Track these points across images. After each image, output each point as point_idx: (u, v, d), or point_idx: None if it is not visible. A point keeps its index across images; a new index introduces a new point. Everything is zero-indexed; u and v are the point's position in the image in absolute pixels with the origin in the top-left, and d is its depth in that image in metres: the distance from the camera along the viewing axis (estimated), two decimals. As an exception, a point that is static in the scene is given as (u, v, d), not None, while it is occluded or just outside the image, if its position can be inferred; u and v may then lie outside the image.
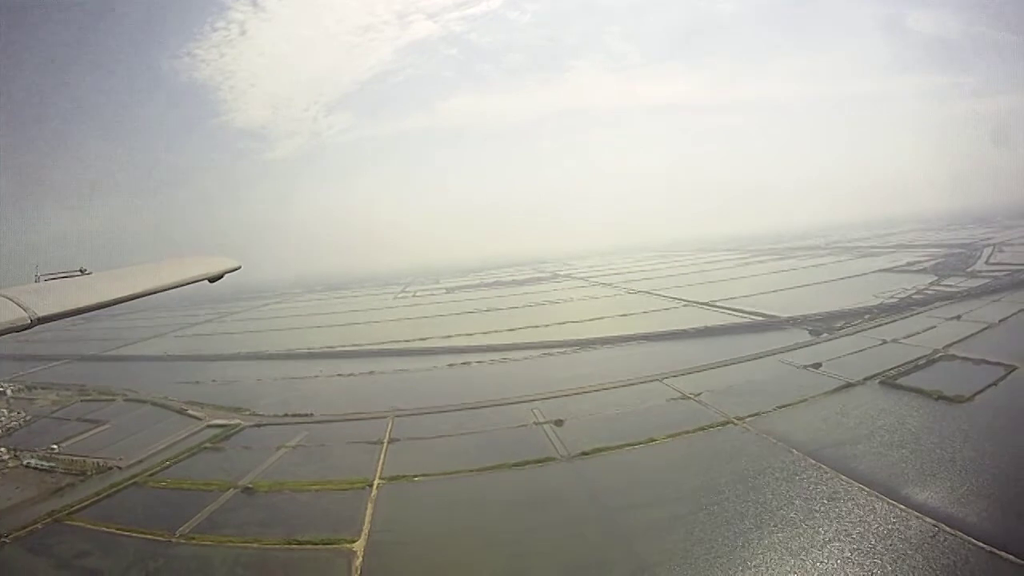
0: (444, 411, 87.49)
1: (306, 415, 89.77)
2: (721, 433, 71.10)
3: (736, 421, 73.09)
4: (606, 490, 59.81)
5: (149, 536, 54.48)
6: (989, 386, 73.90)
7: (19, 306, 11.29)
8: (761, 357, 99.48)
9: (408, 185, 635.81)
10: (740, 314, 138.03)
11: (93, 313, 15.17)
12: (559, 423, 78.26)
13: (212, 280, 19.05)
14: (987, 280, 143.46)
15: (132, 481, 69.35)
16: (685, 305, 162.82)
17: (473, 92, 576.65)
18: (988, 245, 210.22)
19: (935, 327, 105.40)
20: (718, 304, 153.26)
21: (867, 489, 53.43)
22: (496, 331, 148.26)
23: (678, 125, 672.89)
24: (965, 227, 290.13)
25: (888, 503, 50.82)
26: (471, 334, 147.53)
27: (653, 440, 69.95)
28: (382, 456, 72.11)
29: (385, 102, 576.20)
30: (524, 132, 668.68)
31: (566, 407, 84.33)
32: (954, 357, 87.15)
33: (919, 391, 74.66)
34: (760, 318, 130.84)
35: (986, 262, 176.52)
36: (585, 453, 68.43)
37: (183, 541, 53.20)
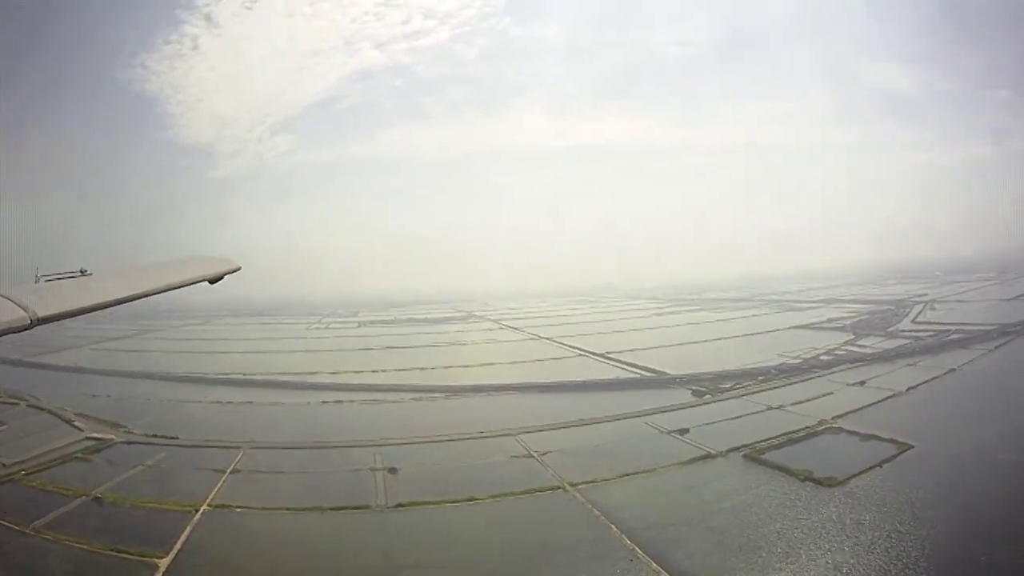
0: (294, 448, 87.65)
1: (172, 438, 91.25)
2: (547, 498, 66.59)
3: (569, 487, 68.17)
4: (404, 546, 57.97)
5: (9, 525, 59.58)
6: (871, 468, 66.85)
7: (19, 306, 11.73)
8: (630, 417, 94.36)
9: (345, 213, 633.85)
10: (630, 368, 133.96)
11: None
12: (393, 471, 76.20)
13: (212, 281, 19.60)
14: (907, 341, 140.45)
15: (10, 478, 74.09)
16: (580, 355, 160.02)
17: (415, 124, 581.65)
18: (920, 302, 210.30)
19: (832, 393, 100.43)
20: (612, 356, 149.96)
21: None
22: (383, 371, 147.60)
23: (619, 168, 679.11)
24: (902, 282, 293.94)
25: (693, 603, 44.19)
26: (359, 371, 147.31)
27: (474, 499, 66.41)
28: (219, 485, 72.49)
29: (328, 128, 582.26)
30: (464, 167, 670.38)
31: (409, 455, 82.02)
32: (840, 430, 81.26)
33: (785, 469, 68.28)
34: (649, 374, 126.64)
35: (912, 320, 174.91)
36: (402, 505, 66.12)
37: (33, 533, 58.38)
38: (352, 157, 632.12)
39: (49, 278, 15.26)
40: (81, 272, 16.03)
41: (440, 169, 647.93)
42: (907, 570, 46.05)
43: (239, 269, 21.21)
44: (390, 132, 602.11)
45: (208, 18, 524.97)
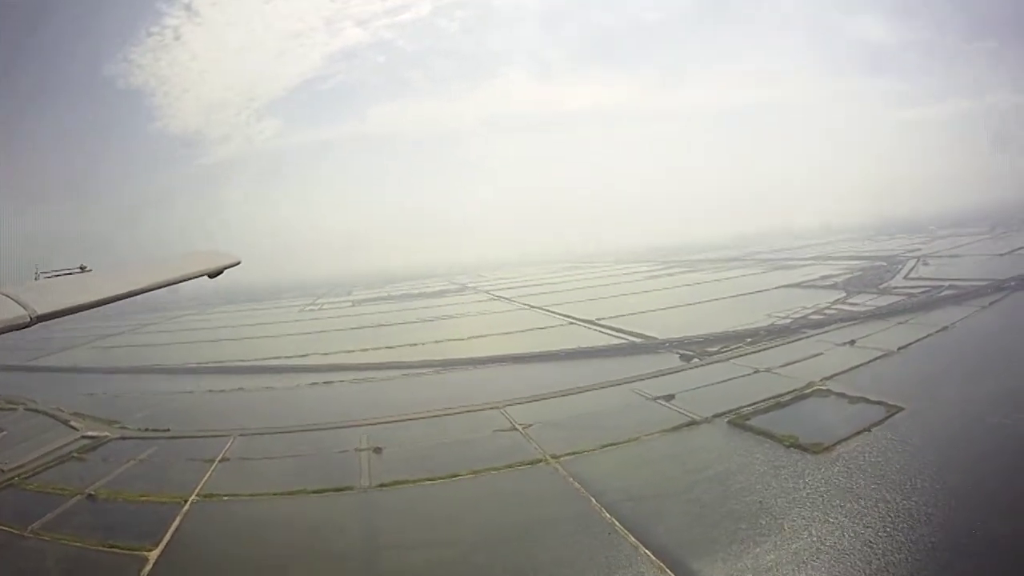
0: (283, 432, 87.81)
1: (164, 430, 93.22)
2: (528, 473, 65.67)
3: (551, 459, 67.38)
4: (383, 527, 58.36)
5: (8, 529, 61.04)
6: (859, 432, 64.67)
7: (18, 304, 11.61)
8: (616, 385, 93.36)
9: (337, 192, 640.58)
10: (619, 334, 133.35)
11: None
12: (378, 451, 76.44)
13: (212, 276, 19.59)
14: (900, 298, 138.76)
15: (9, 483, 74.91)
16: (570, 323, 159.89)
17: (402, 99, 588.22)
18: (913, 257, 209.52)
19: (821, 354, 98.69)
20: (602, 322, 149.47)
21: (653, 557, 46.29)
22: (374, 348, 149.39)
23: (607, 132, 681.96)
24: (895, 236, 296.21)
25: (669, 578, 43.51)
26: (350, 351, 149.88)
27: (456, 476, 66.22)
28: (208, 474, 73.64)
29: (315, 108, 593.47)
30: (453, 139, 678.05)
31: (395, 434, 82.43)
32: (829, 392, 79.32)
33: (770, 435, 66.56)
34: (638, 339, 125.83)
35: (905, 276, 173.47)
36: (384, 485, 66.58)
37: (31, 536, 59.73)
38: (341, 136, 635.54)
39: (48, 275, 15.25)
40: (81, 269, 15.97)
41: (430, 143, 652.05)
42: (894, 542, 44.00)
43: (239, 263, 20.95)
44: (377, 109, 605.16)
45: (188, 8, 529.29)
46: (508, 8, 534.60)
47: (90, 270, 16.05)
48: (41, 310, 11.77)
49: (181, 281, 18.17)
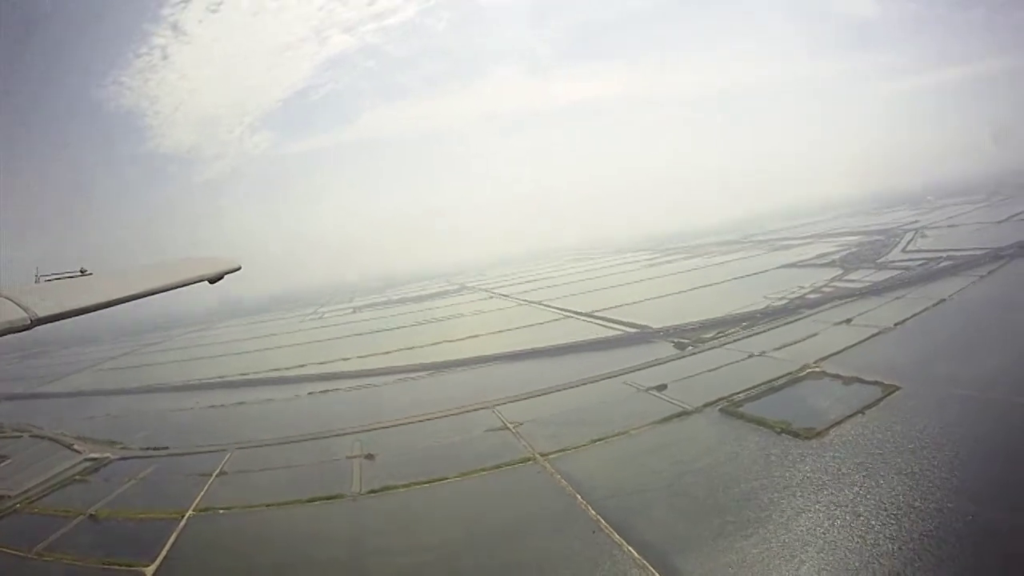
0: (279, 444, 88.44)
1: (163, 448, 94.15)
2: (516, 472, 65.02)
3: (539, 458, 66.81)
4: (370, 532, 58.23)
5: (14, 552, 62.45)
6: (853, 415, 63.29)
7: (19, 306, 11.59)
8: (608, 378, 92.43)
9: (334, 198, 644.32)
10: (615, 326, 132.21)
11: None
12: (370, 457, 76.89)
13: (212, 281, 19.34)
14: (897, 272, 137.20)
15: (13, 509, 76.20)
16: (567, 317, 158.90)
17: (394, 102, 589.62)
18: (911, 230, 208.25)
19: (817, 335, 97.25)
20: (599, 314, 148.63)
21: (635, 555, 45.40)
22: (372, 354, 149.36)
23: (600, 124, 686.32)
24: (893, 209, 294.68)
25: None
26: (347, 359, 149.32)
27: (444, 479, 66.21)
28: (205, 489, 74.44)
29: (308, 118, 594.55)
30: (448, 139, 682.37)
31: (388, 439, 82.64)
32: (823, 374, 77.94)
33: (762, 422, 65.37)
34: (633, 330, 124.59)
35: (902, 250, 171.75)
36: (374, 491, 66.85)
37: (35, 557, 61.24)
38: (335, 143, 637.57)
39: (49, 278, 15.06)
40: (81, 272, 15.81)
41: (424, 144, 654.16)
42: (886, 532, 42.38)
43: (239, 268, 20.62)
44: (370, 113, 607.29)
45: (175, 27, 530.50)
46: (494, 4, 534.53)
47: (90, 273, 15.89)
48: (41, 313, 11.73)
49: (181, 286, 17.59)
